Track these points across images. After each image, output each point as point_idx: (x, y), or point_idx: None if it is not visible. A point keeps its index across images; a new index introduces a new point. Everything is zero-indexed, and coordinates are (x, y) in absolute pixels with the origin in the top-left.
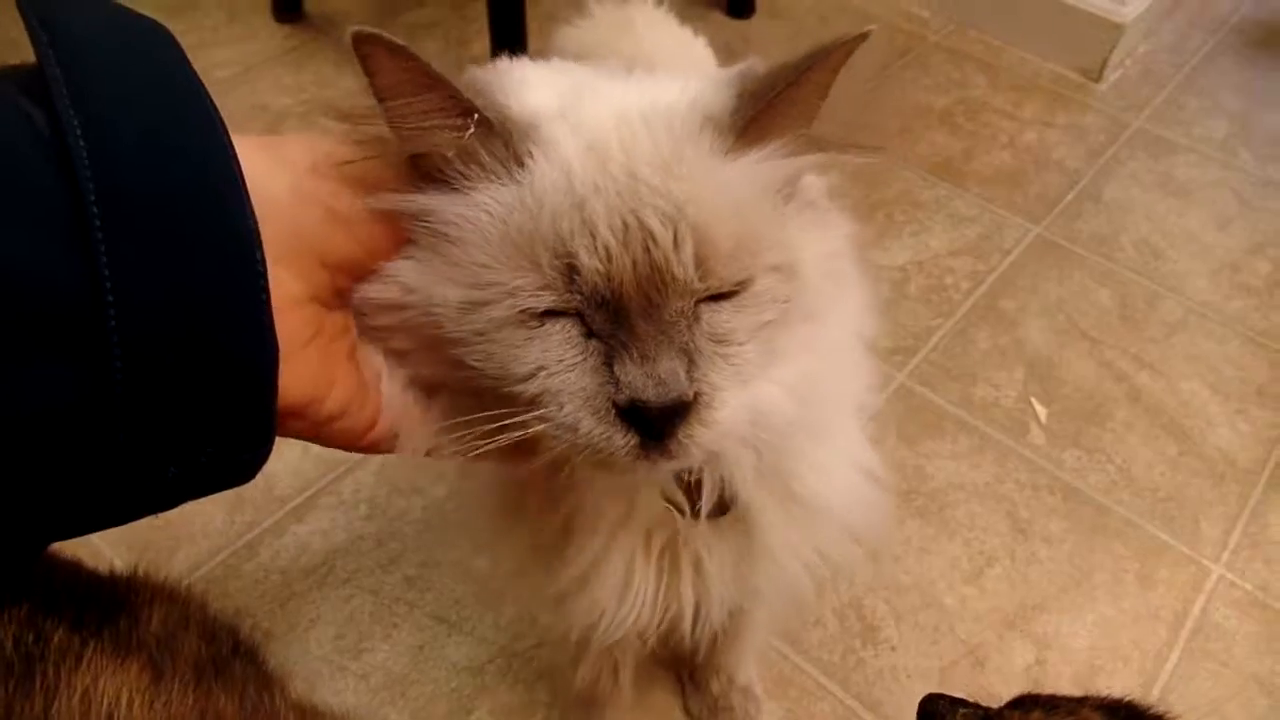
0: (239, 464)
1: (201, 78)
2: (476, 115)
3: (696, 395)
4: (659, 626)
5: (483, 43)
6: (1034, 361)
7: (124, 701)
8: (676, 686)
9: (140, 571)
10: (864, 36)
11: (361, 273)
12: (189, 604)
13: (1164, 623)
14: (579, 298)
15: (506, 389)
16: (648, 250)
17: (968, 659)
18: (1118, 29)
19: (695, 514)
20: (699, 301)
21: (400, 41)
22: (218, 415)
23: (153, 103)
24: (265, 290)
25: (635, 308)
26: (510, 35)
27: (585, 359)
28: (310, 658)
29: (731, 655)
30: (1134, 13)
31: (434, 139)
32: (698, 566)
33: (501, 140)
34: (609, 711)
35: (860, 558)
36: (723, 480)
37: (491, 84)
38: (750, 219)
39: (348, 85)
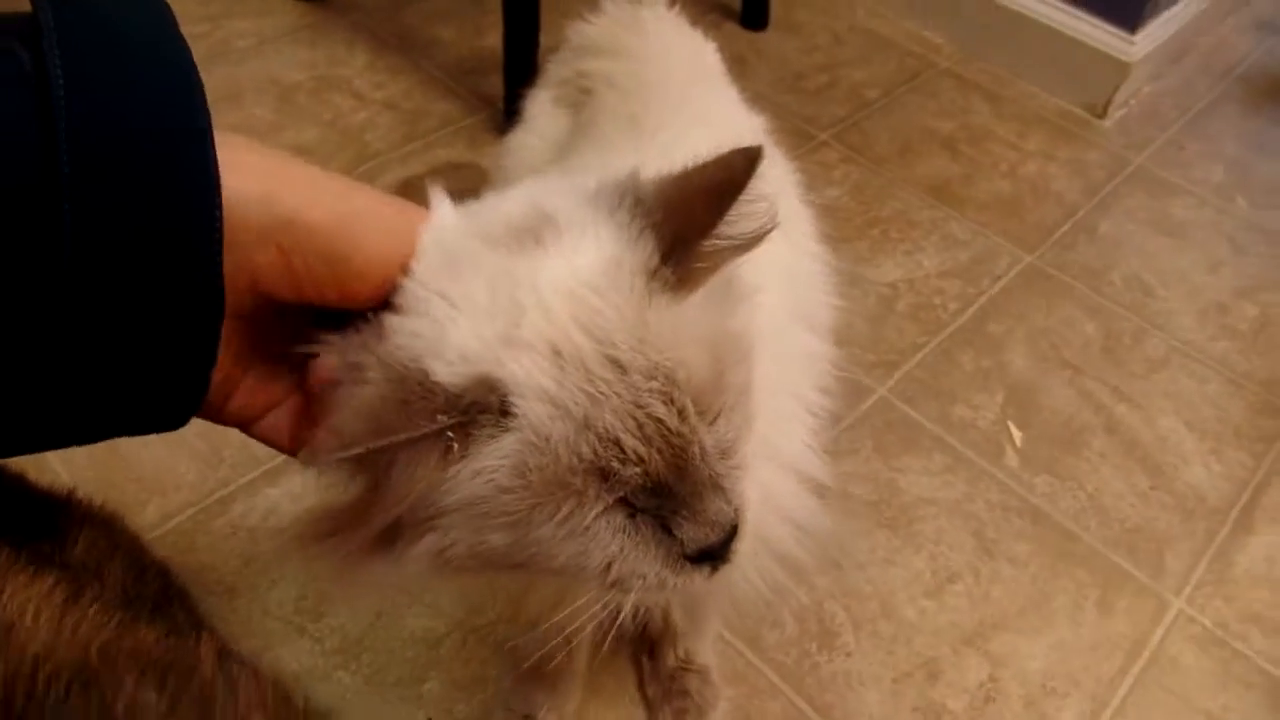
0: (174, 386)
1: (221, 46)
2: (448, 434)
3: (736, 513)
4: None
5: (497, 34)
6: (1015, 386)
7: (29, 614)
8: (633, 668)
9: (78, 494)
10: (756, 156)
11: (286, 302)
12: (120, 535)
13: (1120, 651)
14: (622, 493)
15: (581, 584)
16: (665, 436)
17: (921, 671)
18: (1125, 67)
19: None
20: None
21: (348, 447)
22: (157, 335)
23: (137, 59)
24: (219, 241)
25: (670, 480)
26: (524, 27)
27: (644, 536)
28: (269, 617)
29: (688, 625)
30: (1141, 52)
31: (430, 478)
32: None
33: (474, 406)
34: (560, 685)
35: (808, 563)
36: None
37: (414, 356)
38: (717, 345)
39: (359, 63)
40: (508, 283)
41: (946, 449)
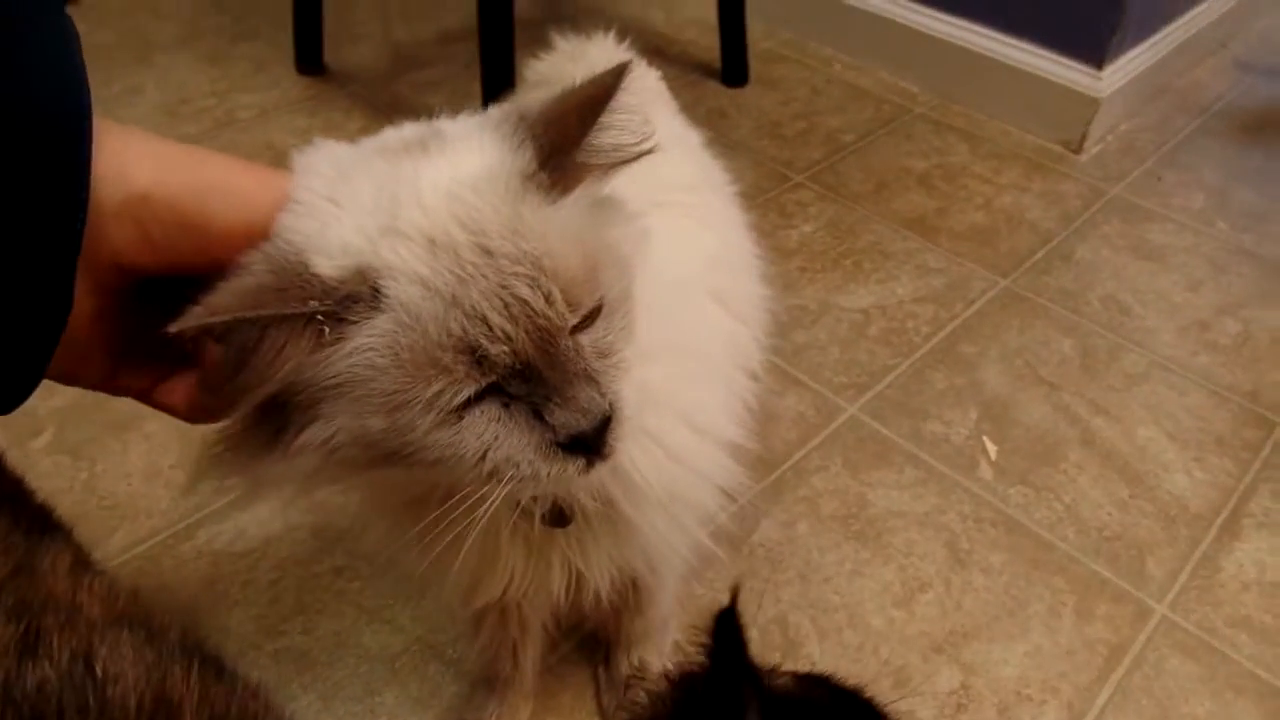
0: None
1: (225, 118)
2: (320, 317)
3: (611, 405)
4: (530, 593)
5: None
6: (989, 402)
7: None
8: (590, 684)
9: None
10: (623, 70)
11: (145, 275)
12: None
13: (1099, 658)
14: (494, 377)
15: (459, 475)
16: (530, 317)
17: (889, 679)
18: (1094, 103)
19: (542, 520)
20: (574, 332)
21: (217, 315)
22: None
23: (33, 49)
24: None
25: (539, 364)
26: (499, 86)
27: (518, 423)
28: (228, 635)
29: (638, 627)
30: (1110, 88)
31: (301, 358)
32: (565, 549)
33: (349, 297)
34: (508, 693)
35: (727, 523)
36: (551, 498)
37: (297, 250)
38: (588, 245)
39: (354, 128)
40: (391, 183)
41: (918, 464)
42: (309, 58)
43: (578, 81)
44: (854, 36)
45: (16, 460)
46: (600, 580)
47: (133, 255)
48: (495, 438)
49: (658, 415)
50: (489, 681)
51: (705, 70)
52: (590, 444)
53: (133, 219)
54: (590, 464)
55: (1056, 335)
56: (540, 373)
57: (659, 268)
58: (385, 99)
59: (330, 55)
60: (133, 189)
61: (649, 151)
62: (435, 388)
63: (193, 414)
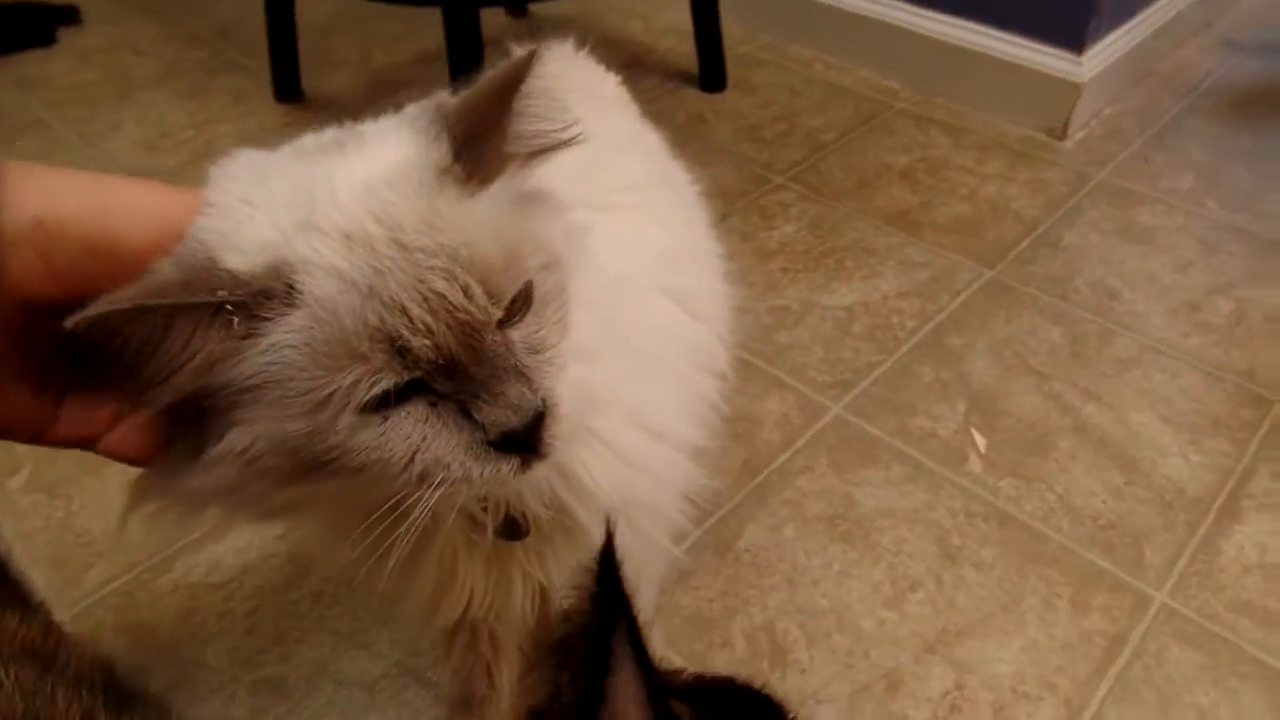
0: None
1: (205, 149)
2: (229, 306)
3: (544, 401)
4: (493, 607)
5: None
6: (977, 395)
7: None
8: None
9: None
10: (534, 55)
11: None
12: None
13: (1097, 650)
14: (418, 372)
15: (388, 481)
16: (450, 311)
17: (881, 683)
18: (1075, 88)
19: (495, 533)
20: (502, 327)
21: (117, 302)
22: None
23: None
24: None
25: (465, 360)
26: None
27: (445, 423)
28: (204, 669)
29: None
30: (1090, 72)
31: (210, 350)
32: (524, 562)
33: (261, 293)
34: (485, 714)
35: (685, 525)
36: (507, 502)
37: (208, 249)
38: (509, 237)
39: None
40: (307, 182)
41: (906, 460)
42: (287, 86)
43: (559, 78)
44: (833, 36)
45: None
46: (562, 590)
47: (37, 287)
48: (423, 438)
49: (606, 417)
50: (466, 703)
51: (684, 77)
52: (524, 441)
53: (32, 248)
54: (526, 463)
55: (1045, 324)
56: (466, 369)
57: (601, 265)
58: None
59: (308, 82)
60: (25, 217)
61: (573, 141)
62: (352, 377)
63: (152, 455)
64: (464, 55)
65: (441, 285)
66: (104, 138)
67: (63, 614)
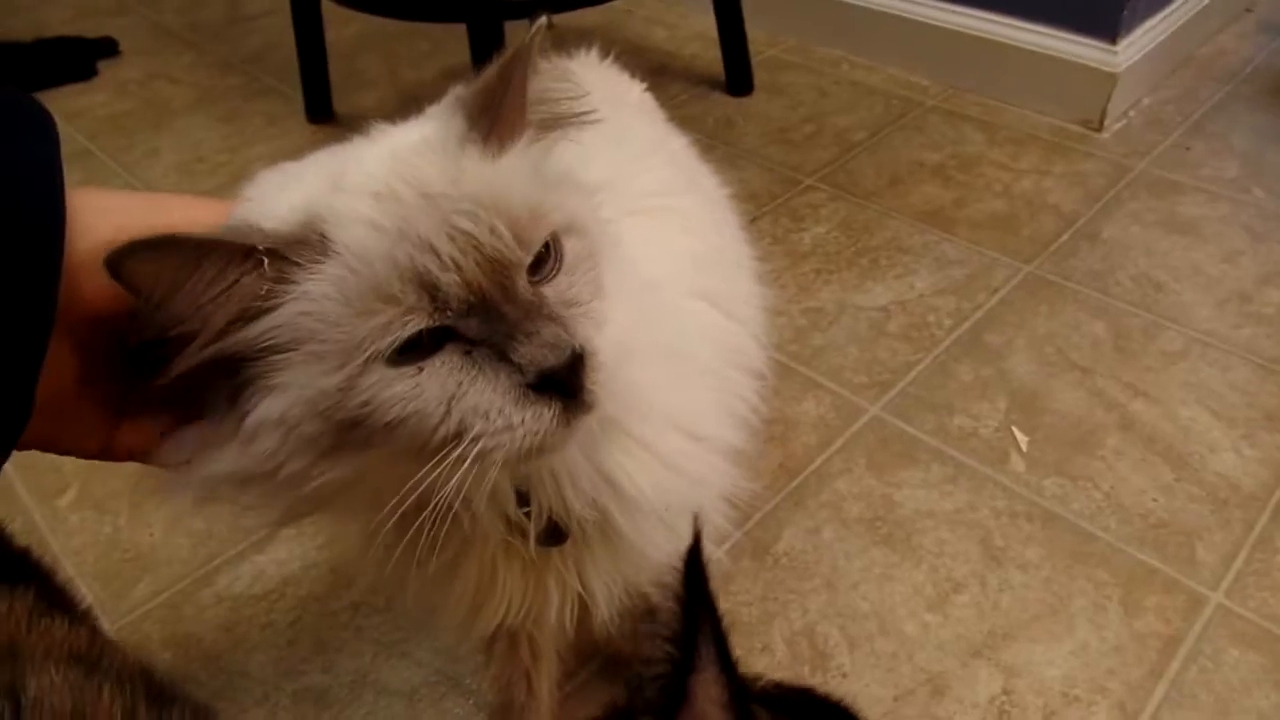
0: None
1: (240, 171)
2: (262, 249)
3: (581, 346)
4: (532, 616)
5: None
6: (1017, 392)
7: None
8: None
9: None
10: (539, 30)
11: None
12: None
13: (1151, 652)
14: (449, 314)
15: (424, 441)
16: (478, 248)
17: (926, 687)
18: (1111, 78)
19: (538, 539)
20: (535, 284)
21: (155, 237)
22: None
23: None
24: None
25: (497, 299)
26: None
27: (482, 368)
28: (248, 679)
29: None
30: (1127, 61)
31: (242, 295)
32: (562, 570)
33: (293, 240)
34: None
35: (726, 527)
36: (550, 506)
37: (246, 218)
38: (531, 193)
39: None
40: (334, 162)
41: (946, 460)
42: (318, 107)
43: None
44: (859, 35)
45: (44, 518)
46: (602, 601)
47: (109, 307)
48: (459, 385)
49: (645, 421)
50: (505, 710)
51: (711, 83)
52: (564, 384)
53: (104, 271)
54: (569, 411)
55: (1087, 318)
56: (499, 309)
57: (633, 271)
58: None
59: (339, 103)
60: (97, 240)
61: (587, 117)
62: (384, 319)
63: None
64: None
65: (467, 225)
66: (142, 165)
67: (111, 627)
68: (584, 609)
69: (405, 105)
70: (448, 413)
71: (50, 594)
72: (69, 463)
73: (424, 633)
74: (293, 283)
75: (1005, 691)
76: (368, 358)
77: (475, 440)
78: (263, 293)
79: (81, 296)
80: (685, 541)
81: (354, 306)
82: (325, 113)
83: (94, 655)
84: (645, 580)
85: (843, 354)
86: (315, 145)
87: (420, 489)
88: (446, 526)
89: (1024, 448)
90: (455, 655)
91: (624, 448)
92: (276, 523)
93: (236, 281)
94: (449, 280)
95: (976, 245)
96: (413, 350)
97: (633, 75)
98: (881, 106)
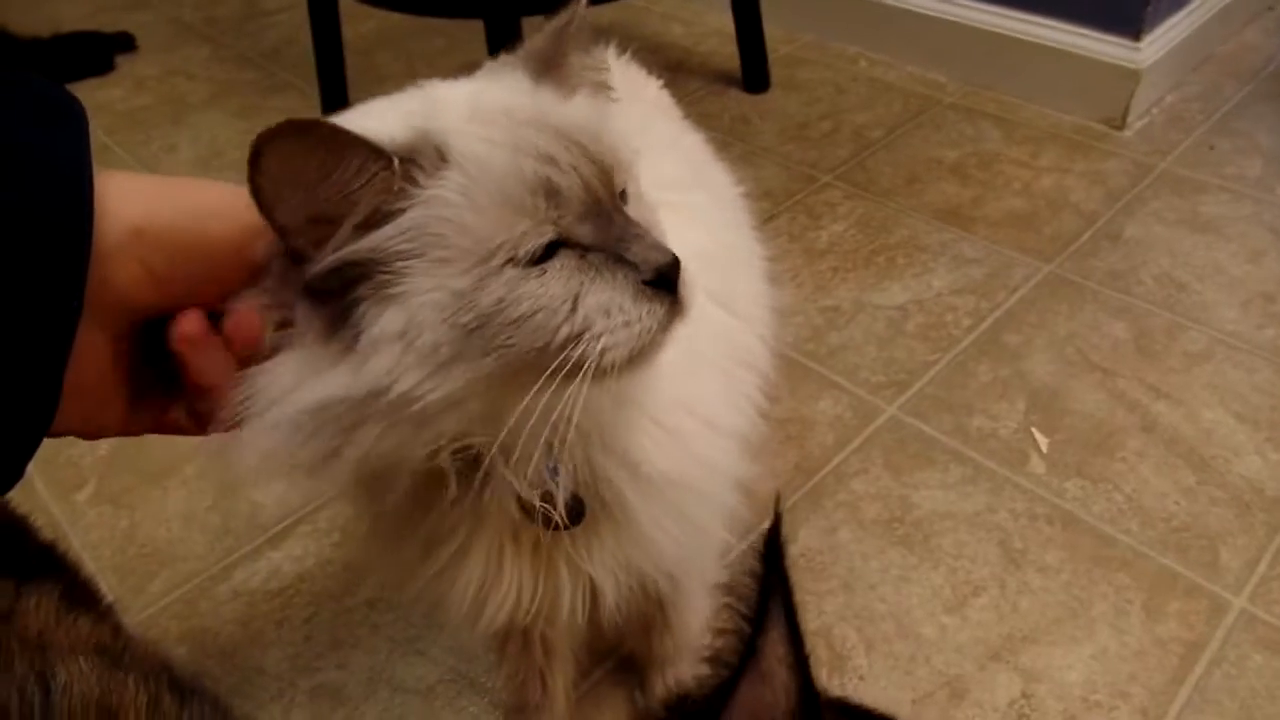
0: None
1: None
2: (396, 158)
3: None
4: (542, 610)
5: None
6: (1037, 393)
7: None
8: (627, 708)
9: None
10: (580, 5)
11: (158, 314)
12: None
13: (1173, 658)
14: (569, 218)
15: (546, 341)
16: (588, 157)
17: (944, 690)
18: (1134, 75)
19: (553, 525)
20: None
21: (303, 120)
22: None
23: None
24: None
25: (608, 205)
26: None
27: (599, 270)
28: (264, 675)
29: (669, 645)
30: (1150, 59)
31: (376, 192)
32: (573, 554)
33: (414, 149)
34: (541, 719)
35: (743, 513)
36: (572, 485)
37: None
38: (607, 123)
39: None
40: (414, 101)
41: (964, 461)
42: (335, 103)
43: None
44: (876, 32)
45: (62, 513)
46: (610, 590)
47: (140, 294)
48: (581, 285)
49: (662, 404)
50: (520, 710)
51: (727, 79)
52: (671, 282)
53: (133, 257)
54: (672, 310)
55: (1107, 318)
56: (610, 215)
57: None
58: None
59: (356, 99)
60: (126, 226)
61: (614, 95)
62: (520, 228)
63: (200, 422)
64: None
65: (579, 135)
66: (160, 160)
67: (128, 622)
68: (593, 604)
69: None
70: (573, 310)
71: (75, 589)
72: (87, 458)
73: (439, 630)
74: (420, 187)
75: (1025, 695)
76: (499, 262)
77: (596, 338)
78: (394, 193)
79: (110, 283)
80: (695, 527)
81: (484, 213)
82: (342, 109)
83: (118, 649)
84: (652, 568)
85: (860, 353)
86: None
87: (534, 410)
88: (457, 507)
89: (1044, 449)
90: (470, 654)
91: (643, 428)
92: (342, 482)
93: (375, 176)
94: (570, 183)
95: (995, 244)
96: (538, 254)
97: (649, 72)
98: (899, 104)
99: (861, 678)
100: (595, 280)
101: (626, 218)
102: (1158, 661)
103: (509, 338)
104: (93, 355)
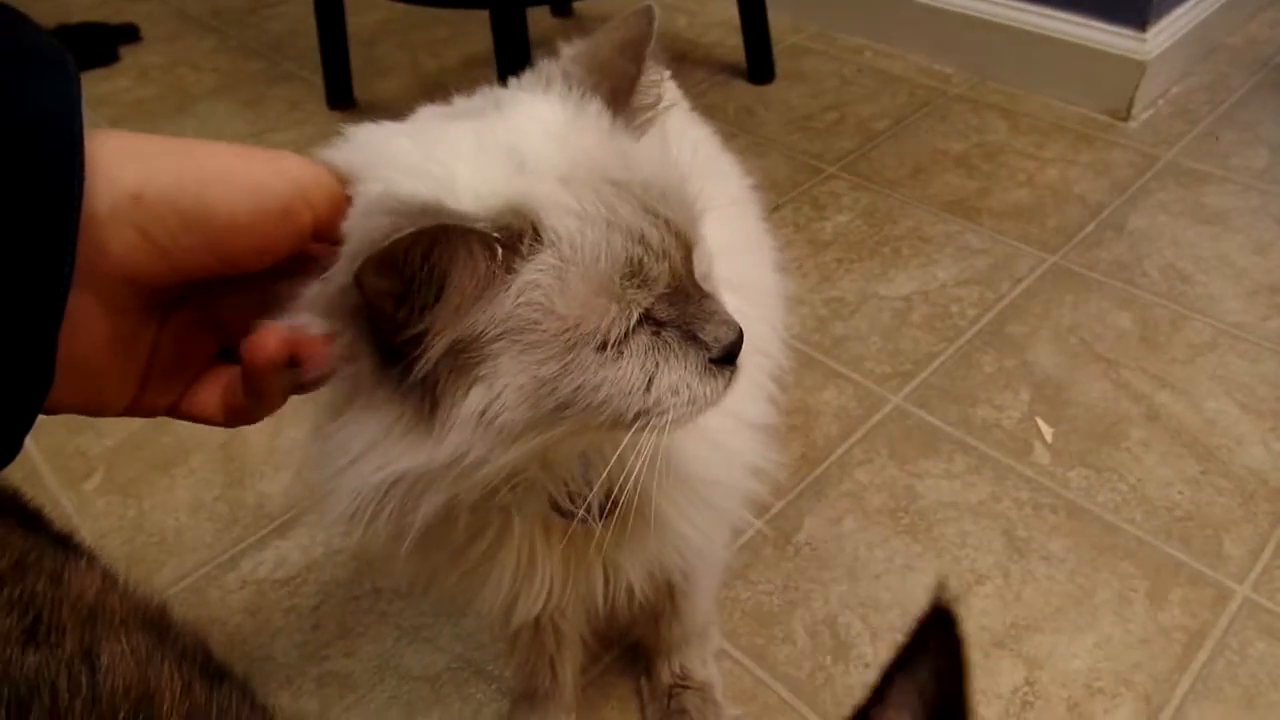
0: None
1: None
2: (494, 235)
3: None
4: (569, 601)
5: None
6: (1042, 383)
7: None
8: (634, 695)
9: None
10: (650, 13)
11: (171, 286)
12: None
13: (1176, 645)
14: (652, 299)
15: (618, 418)
16: (676, 235)
17: None
18: (1140, 66)
19: (584, 519)
20: None
21: (424, 229)
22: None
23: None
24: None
25: (687, 283)
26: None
27: (673, 348)
28: (272, 663)
29: (676, 633)
30: (1156, 50)
31: (478, 280)
32: (603, 549)
33: (510, 229)
34: (549, 708)
35: (761, 494)
36: (607, 483)
37: (423, 197)
38: (685, 181)
39: None
40: (490, 136)
41: (969, 451)
42: (339, 94)
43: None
44: (882, 23)
45: (71, 502)
46: (640, 579)
47: (140, 264)
48: (656, 366)
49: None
50: (529, 697)
51: (732, 70)
52: (734, 357)
53: (130, 224)
54: (731, 383)
55: (1112, 309)
56: (687, 291)
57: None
58: None
59: (360, 90)
60: (123, 189)
61: (670, 107)
62: (610, 316)
63: (231, 417)
64: (512, 56)
65: (667, 211)
66: None
67: None
68: (621, 596)
69: (426, 94)
70: (647, 391)
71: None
72: (94, 446)
73: (446, 618)
74: (515, 272)
75: (1028, 683)
76: (587, 348)
77: (663, 414)
78: (493, 281)
79: (106, 250)
80: (719, 519)
81: (574, 298)
82: (346, 99)
83: (164, 625)
84: (677, 559)
85: (865, 344)
86: (336, 132)
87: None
88: (488, 513)
89: (1048, 439)
90: (478, 641)
91: (691, 437)
92: (409, 537)
93: (475, 270)
94: (660, 269)
95: (1000, 235)
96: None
97: (654, 63)
98: (905, 95)
99: (866, 665)
100: (669, 360)
101: (701, 292)
102: (1161, 649)
103: (584, 414)
104: (88, 326)
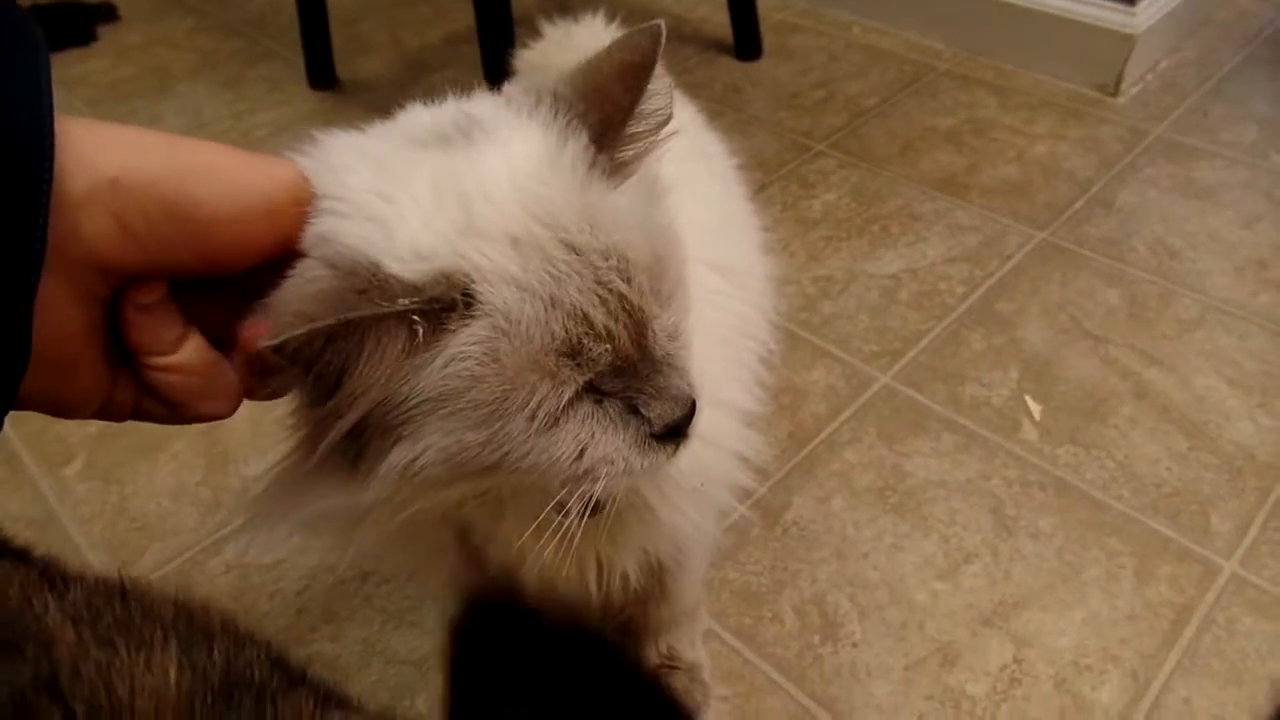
0: None
1: (242, 138)
2: (414, 317)
3: (691, 387)
4: (564, 591)
5: None
6: (1030, 360)
7: None
8: None
9: None
10: (657, 36)
11: (144, 276)
12: None
13: (1164, 621)
14: (590, 375)
15: (546, 482)
16: (629, 311)
17: (936, 656)
18: (1129, 40)
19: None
20: None
21: (323, 325)
22: None
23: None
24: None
25: (636, 357)
26: (502, 83)
27: (612, 419)
28: None
29: (665, 614)
30: (1145, 23)
31: (393, 362)
32: (595, 539)
33: (439, 302)
34: None
35: (749, 485)
36: None
37: (361, 253)
38: (654, 231)
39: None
40: (449, 178)
41: (957, 429)
42: (320, 73)
43: (590, 53)
44: None
45: (51, 488)
46: (633, 568)
47: (114, 253)
48: (591, 436)
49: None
50: None
51: (719, 47)
52: (679, 430)
53: (106, 210)
54: (676, 449)
55: (1101, 286)
56: (635, 366)
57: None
58: (398, 105)
59: (342, 69)
60: (99, 175)
61: (672, 131)
62: (541, 393)
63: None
64: (495, 35)
65: (622, 287)
66: None
67: None
68: (611, 582)
69: (408, 72)
70: (579, 458)
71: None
72: (75, 432)
73: (432, 602)
74: (439, 345)
75: (1016, 660)
76: (514, 419)
77: (594, 481)
78: (412, 356)
79: (80, 235)
80: (708, 508)
81: (504, 373)
82: (328, 79)
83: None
84: (668, 547)
85: (853, 322)
86: (318, 111)
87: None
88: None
89: (1037, 416)
90: None
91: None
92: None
93: (390, 350)
94: (600, 350)
95: (989, 212)
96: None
97: (661, 78)
98: (894, 71)
99: (854, 644)
100: (606, 431)
101: (654, 366)
102: (1149, 625)
103: (511, 475)
104: (60, 312)
